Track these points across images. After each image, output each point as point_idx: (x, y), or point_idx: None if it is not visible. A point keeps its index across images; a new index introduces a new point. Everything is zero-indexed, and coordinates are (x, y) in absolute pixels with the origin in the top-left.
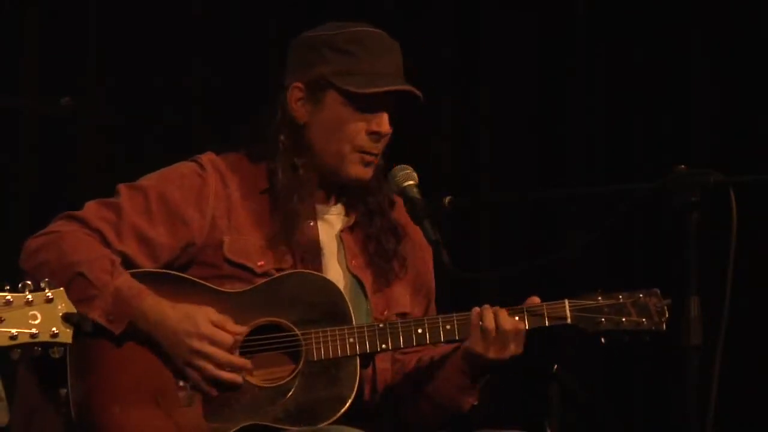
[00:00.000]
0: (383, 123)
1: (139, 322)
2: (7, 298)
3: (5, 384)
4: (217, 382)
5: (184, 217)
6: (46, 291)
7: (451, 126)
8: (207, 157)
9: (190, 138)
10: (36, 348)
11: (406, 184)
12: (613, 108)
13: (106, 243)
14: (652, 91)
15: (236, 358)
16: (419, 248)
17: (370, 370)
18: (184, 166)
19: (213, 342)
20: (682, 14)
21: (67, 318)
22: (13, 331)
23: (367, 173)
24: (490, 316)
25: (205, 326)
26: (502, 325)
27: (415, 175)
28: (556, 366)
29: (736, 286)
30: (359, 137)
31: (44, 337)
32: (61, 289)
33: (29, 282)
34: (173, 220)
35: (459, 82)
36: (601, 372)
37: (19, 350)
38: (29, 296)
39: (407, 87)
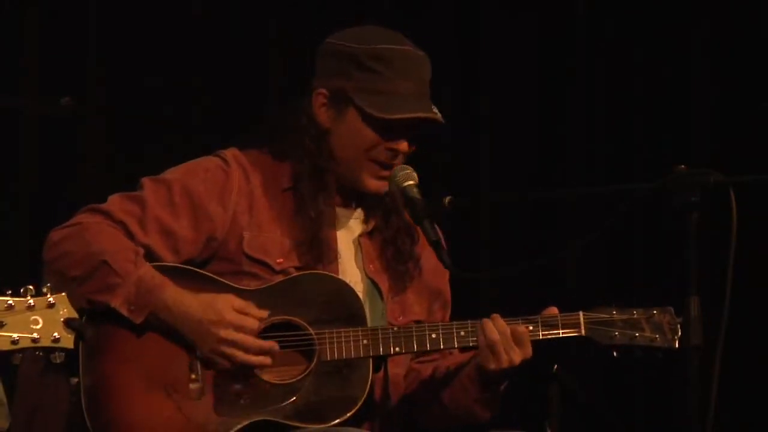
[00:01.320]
0: (401, 144)
1: (161, 313)
2: (9, 302)
3: (5, 389)
4: (244, 370)
5: (208, 211)
6: (48, 296)
7: (451, 126)
8: (230, 153)
9: (190, 138)
10: (37, 353)
11: (406, 184)
12: (613, 108)
13: (130, 235)
14: (652, 91)
15: (264, 342)
16: (437, 264)
17: (381, 373)
18: (208, 161)
19: (238, 328)
20: (682, 14)
21: (68, 323)
22: (15, 335)
23: (383, 187)
24: (490, 326)
25: (229, 313)
26: (502, 330)
27: (415, 175)
28: (556, 366)
29: (736, 286)
30: (376, 151)
31: (45, 342)
32: (63, 294)
33: (31, 287)
34: (197, 214)
35: (459, 82)
36: (601, 372)
37: (20, 355)
38: (31, 301)
39: (426, 114)
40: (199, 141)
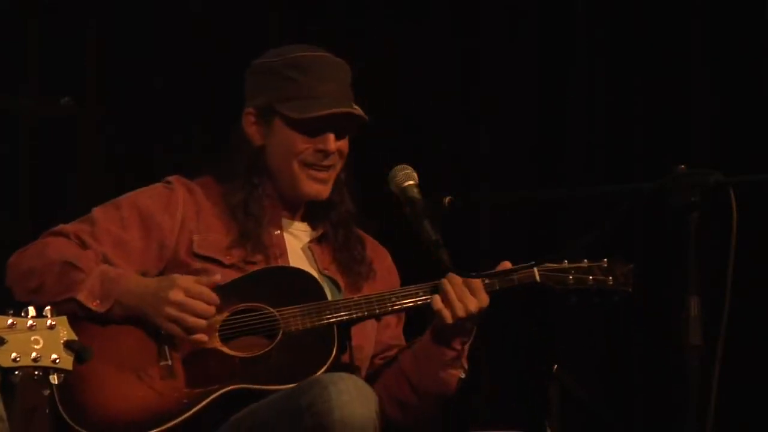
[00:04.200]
0: (328, 142)
1: (125, 298)
2: (11, 321)
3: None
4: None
5: (156, 221)
6: (48, 318)
7: (451, 126)
8: (174, 177)
9: (190, 138)
10: (36, 372)
11: (406, 184)
12: (613, 108)
13: (85, 246)
14: (652, 91)
15: (210, 308)
16: (387, 273)
17: (348, 347)
18: (153, 185)
19: (189, 293)
20: (682, 14)
21: (68, 345)
22: (15, 353)
23: (322, 190)
24: (443, 281)
25: (183, 281)
26: (455, 281)
27: (415, 175)
28: (556, 366)
29: (736, 286)
30: (306, 154)
31: (45, 362)
32: (64, 317)
33: (31, 308)
34: (146, 224)
35: (459, 82)
36: (601, 372)
37: (19, 374)
38: (32, 321)
39: (343, 109)
40: (199, 141)
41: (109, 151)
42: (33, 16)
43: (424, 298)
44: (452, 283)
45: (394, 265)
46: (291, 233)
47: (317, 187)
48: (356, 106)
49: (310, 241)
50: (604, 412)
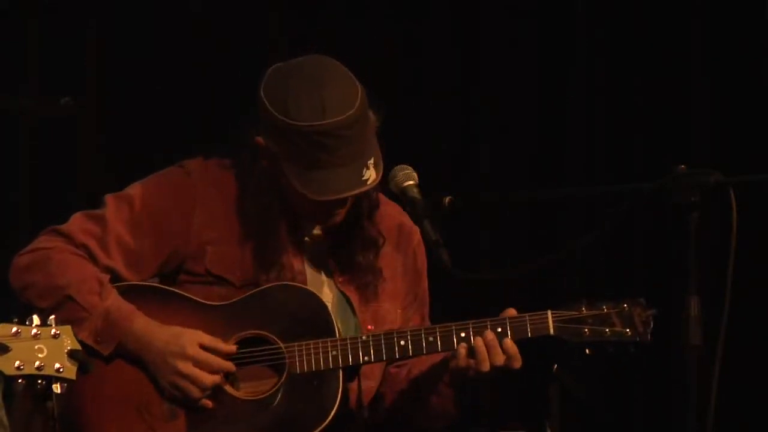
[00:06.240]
0: (335, 215)
1: (129, 343)
2: (15, 329)
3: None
4: (200, 403)
5: (170, 227)
6: (52, 327)
7: (451, 126)
8: (194, 164)
9: (190, 138)
10: (40, 381)
11: (406, 184)
12: (613, 108)
13: (93, 258)
14: (652, 90)
15: (219, 379)
16: (413, 261)
17: (355, 385)
18: (171, 174)
19: (197, 363)
20: (682, 14)
21: (72, 354)
22: (19, 361)
23: (336, 222)
24: (479, 340)
25: (192, 348)
26: (489, 344)
27: (415, 175)
28: (556, 366)
29: (736, 286)
30: (314, 214)
31: (49, 371)
32: (68, 326)
33: (35, 316)
34: (159, 230)
35: (459, 81)
36: (601, 371)
37: (22, 381)
38: (36, 330)
39: (350, 192)
40: (199, 142)
41: (109, 151)
42: (33, 16)
43: (433, 345)
44: (489, 346)
45: (422, 243)
46: (311, 236)
47: (330, 223)
48: (370, 165)
49: (329, 246)
50: (604, 412)
